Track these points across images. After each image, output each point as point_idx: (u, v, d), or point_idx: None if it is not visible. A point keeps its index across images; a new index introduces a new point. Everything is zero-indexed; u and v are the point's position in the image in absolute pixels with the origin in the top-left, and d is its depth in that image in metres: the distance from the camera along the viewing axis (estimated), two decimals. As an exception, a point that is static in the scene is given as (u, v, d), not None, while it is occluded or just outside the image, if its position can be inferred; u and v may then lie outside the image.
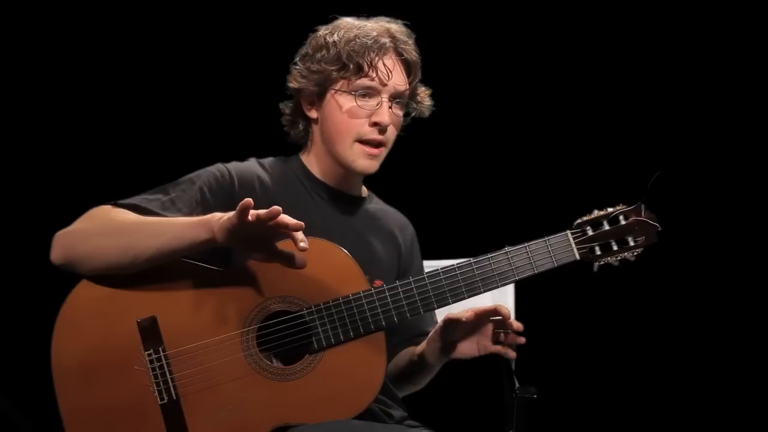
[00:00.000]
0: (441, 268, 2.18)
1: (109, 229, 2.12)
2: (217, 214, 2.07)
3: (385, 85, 2.28)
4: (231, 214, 2.02)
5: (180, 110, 3.30)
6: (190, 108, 3.31)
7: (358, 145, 2.29)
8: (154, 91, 3.29)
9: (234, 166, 2.31)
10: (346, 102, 2.29)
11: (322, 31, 2.33)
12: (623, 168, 3.36)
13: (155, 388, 2.10)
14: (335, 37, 2.29)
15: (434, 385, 2.43)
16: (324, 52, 2.29)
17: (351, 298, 2.15)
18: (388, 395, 2.31)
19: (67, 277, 2.13)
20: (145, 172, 2.29)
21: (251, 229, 1.99)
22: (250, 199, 1.98)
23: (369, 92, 2.28)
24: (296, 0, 3.25)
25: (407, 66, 2.33)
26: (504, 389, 2.36)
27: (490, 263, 2.18)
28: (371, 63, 2.27)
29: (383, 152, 2.32)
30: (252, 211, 1.98)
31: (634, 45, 3.39)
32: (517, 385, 2.34)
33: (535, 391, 2.32)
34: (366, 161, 2.30)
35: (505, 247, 2.68)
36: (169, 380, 2.11)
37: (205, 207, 2.21)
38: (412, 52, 2.33)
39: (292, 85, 2.34)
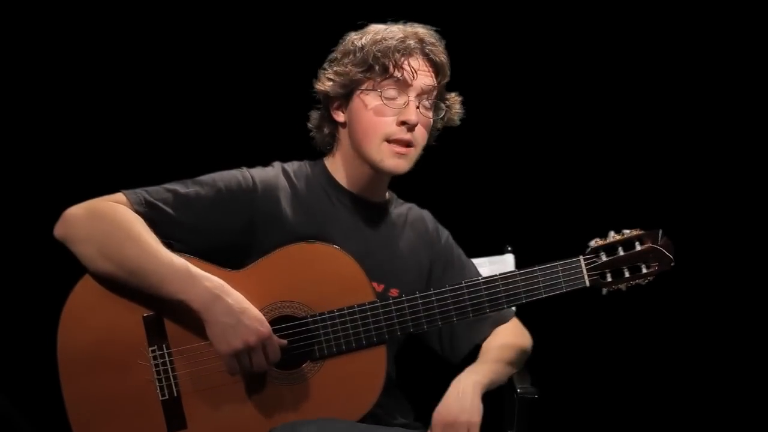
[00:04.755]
0: (449, 286, 2.18)
1: (105, 251, 2.11)
2: (206, 292, 2.09)
3: (410, 84, 2.27)
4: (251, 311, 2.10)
5: (205, 114, 3.28)
6: (214, 111, 3.28)
7: (386, 145, 2.27)
8: (180, 95, 3.26)
9: (258, 173, 2.30)
10: (373, 101, 2.27)
11: (351, 36, 2.33)
12: (641, 172, 3.33)
13: (157, 383, 2.13)
14: (363, 41, 2.29)
15: (436, 386, 2.43)
16: (351, 55, 2.29)
17: (356, 309, 2.15)
18: (392, 400, 2.33)
19: (73, 270, 2.15)
20: (167, 174, 2.28)
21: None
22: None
23: (396, 92, 2.27)
24: (325, 7, 3.21)
25: (435, 67, 2.31)
26: (504, 389, 2.36)
27: (499, 285, 2.17)
28: (397, 63, 2.26)
29: (413, 152, 2.29)
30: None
31: (661, 61, 3.33)
32: (517, 385, 2.35)
33: (535, 391, 2.33)
34: (394, 160, 2.28)
35: (506, 247, 2.70)
36: (171, 377, 2.13)
37: (220, 208, 2.21)
38: (439, 53, 2.31)
39: (320, 87, 2.33)
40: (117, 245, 2.11)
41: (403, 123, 2.25)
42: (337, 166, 2.37)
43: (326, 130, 2.37)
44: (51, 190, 3.09)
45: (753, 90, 3.28)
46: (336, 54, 2.33)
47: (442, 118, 2.38)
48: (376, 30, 2.30)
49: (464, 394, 2.19)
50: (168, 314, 2.13)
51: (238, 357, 2.08)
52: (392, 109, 2.26)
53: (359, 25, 2.34)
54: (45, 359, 2.14)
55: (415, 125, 2.26)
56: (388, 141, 2.26)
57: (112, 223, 2.12)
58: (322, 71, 2.34)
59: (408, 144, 2.27)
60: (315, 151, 2.42)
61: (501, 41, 3.33)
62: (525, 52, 3.35)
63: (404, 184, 2.46)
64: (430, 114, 2.32)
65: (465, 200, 3.33)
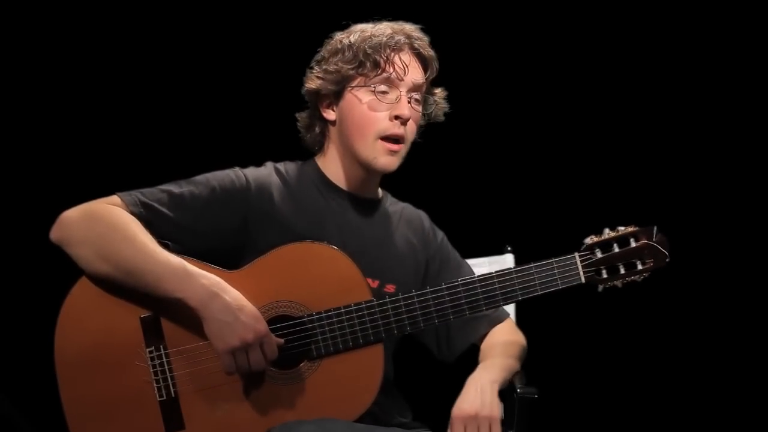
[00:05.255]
0: (445, 283, 2.18)
1: (102, 253, 2.12)
2: (203, 289, 2.09)
3: (402, 79, 2.29)
4: (245, 306, 2.10)
5: (197, 116, 3.30)
6: (207, 114, 3.30)
7: (380, 142, 2.28)
8: (170, 96, 3.28)
9: (251, 172, 2.31)
10: (366, 96, 2.29)
11: (338, 35, 2.34)
12: (640, 170, 3.33)
13: (155, 384, 2.13)
14: (351, 39, 2.30)
15: (436, 386, 2.43)
16: (341, 54, 2.30)
17: (353, 308, 2.15)
18: (390, 399, 2.34)
19: (70, 272, 2.15)
20: (161, 176, 2.29)
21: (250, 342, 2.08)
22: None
23: (387, 87, 2.29)
24: (310, 8, 3.24)
25: (423, 61, 2.34)
26: (504, 389, 2.36)
27: (495, 282, 2.17)
28: (388, 58, 2.28)
29: (403, 149, 2.31)
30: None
31: (656, 59, 3.33)
32: (517, 385, 2.34)
33: (535, 391, 2.31)
34: (387, 158, 2.29)
35: (506, 247, 2.70)
36: (169, 378, 2.13)
37: (215, 207, 2.22)
38: (427, 47, 2.34)
39: (310, 85, 2.34)
40: (113, 246, 2.11)
41: (396, 117, 2.27)
42: (328, 164, 2.37)
43: (317, 129, 2.38)
44: (46, 193, 3.10)
45: (746, 86, 3.28)
46: (323, 53, 2.34)
47: (430, 114, 2.40)
48: (363, 28, 2.32)
49: (483, 391, 2.19)
50: (165, 314, 2.13)
51: (235, 355, 2.08)
52: (385, 104, 2.28)
53: (344, 25, 2.35)
54: (44, 360, 2.14)
55: (408, 119, 2.28)
56: (382, 138, 2.27)
57: (108, 225, 2.13)
58: (310, 71, 2.35)
59: (399, 140, 2.28)
60: (306, 152, 2.42)
61: (497, 40, 3.34)
62: (522, 52, 3.36)
63: (404, 184, 2.47)
64: (420, 108, 2.35)
65: (464, 200, 3.34)
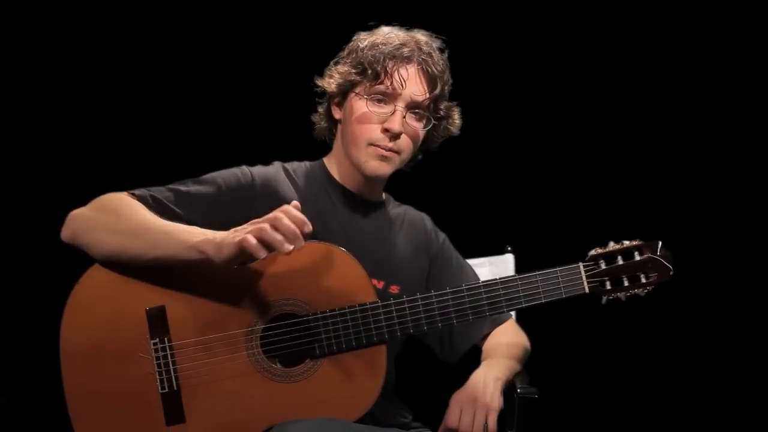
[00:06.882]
0: (449, 288, 2.19)
1: (112, 226, 2.12)
2: (213, 234, 2.06)
3: (399, 93, 2.27)
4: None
5: (207, 116, 3.31)
6: (216, 114, 3.31)
7: (371, 147, 2.29)
8: (180, 98, 3.29)
9: (258, 170, 2.32)
10: (361, 106, 2.29)
11: (360, 36, 2.34)
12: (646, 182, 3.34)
13: (157, 376, 2.14)
14: (364, 43, 2.30)
15: (436, 386, 2.45)
16: (353, 55, 2.31)
17: (357, 308, 2.16)
18: (391, 401, 2.36)
19: (79, 260, 2.16)
20: (170, 176, 2.30)
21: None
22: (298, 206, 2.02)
23: (383, 99, 2.28)
24: (333, 7, 3.24)
25: (429, 77, 2.30)
26: (505, 390, 2.38)
27: (499, 289, 2.18)
28: (387, 70, 2.27)
29: (396, 158, 2.31)
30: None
31: (664, 72, 3.34)
32: (517, 385, 2.36)
33: (535, 391, 2.33)
34: (376, 162, 2.29)
35: (506, 247, 2.72)
36: (172, 371, 2.14)
37: (221, 204, 2.23)
38: (435, 64, 2.30)
39: (319, 83, 2.36)
40: (120, 218, 2.12)
41: (386, 131, 2.27)
42: (334, 163, 2.39)
43: (324, 124, 2.41)
44: (56, 193, 3.10)
45: (755, 99, 3.29)
46: (343, 52, 2.35)
47: (440, 129, 2.38)
48: (380, 34, 2.32)
49: (486, 383, 2.21)
50: (171, 307, 2.14)
51: (261, 236, 1.98)
52: (378, 116, 2.28)
53: (370, 26, 2.35)
54: (44, 360, 2.16)
55: (399, 134, 2.27)
56: (372, 145, 2.28)
57: (113, 204, 2.15)
58: (328, 68, 2.36)
59: (390, 150, 2.28)
60: (316, 153, 2.44)
61: (506, 44, 3.34)
62: (528, 54, 3.36)
63: (405, 185, 2.48)
64: (419, 125, 2.32)
65: (465, 200, 3.35)
